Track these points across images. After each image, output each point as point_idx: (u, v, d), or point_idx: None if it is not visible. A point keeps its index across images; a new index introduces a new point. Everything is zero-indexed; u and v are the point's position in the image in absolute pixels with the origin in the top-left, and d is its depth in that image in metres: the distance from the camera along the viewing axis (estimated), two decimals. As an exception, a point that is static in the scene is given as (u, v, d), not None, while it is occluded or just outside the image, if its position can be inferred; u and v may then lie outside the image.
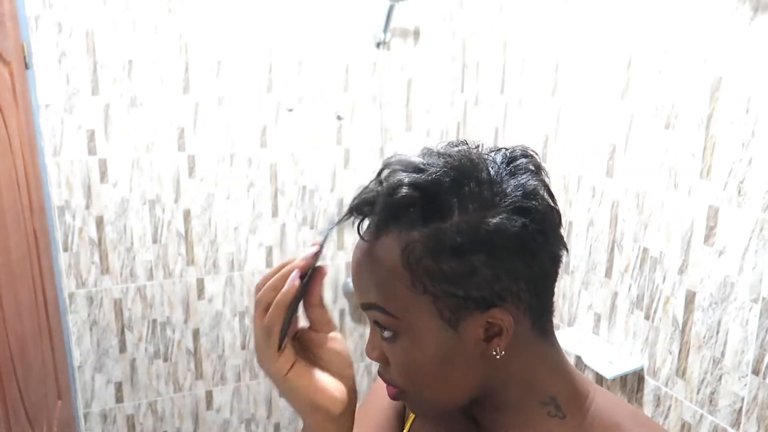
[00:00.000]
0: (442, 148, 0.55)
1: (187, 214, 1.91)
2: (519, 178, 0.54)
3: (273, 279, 0.58)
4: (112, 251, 1.86)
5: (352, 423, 0.62)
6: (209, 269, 1.97)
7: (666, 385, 1.30)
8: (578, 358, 1.48)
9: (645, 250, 1.32)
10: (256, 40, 1.85)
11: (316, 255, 0.59)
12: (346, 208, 0.56)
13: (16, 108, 1.45)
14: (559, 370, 0.59)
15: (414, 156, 0.55)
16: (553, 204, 0.56)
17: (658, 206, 1.28)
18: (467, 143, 0.57)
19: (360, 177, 2.06)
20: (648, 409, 1.35)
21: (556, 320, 1.59)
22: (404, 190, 0.52)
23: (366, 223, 0.56)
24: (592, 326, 1.49)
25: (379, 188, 0.53)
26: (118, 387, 1.97)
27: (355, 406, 0.63)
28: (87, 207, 1.81)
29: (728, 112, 1.10)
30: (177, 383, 2.03)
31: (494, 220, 0.51)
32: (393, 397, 0.60)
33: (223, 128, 1.88)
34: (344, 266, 2.11)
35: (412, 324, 0.54)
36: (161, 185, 1.86)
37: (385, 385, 0.61)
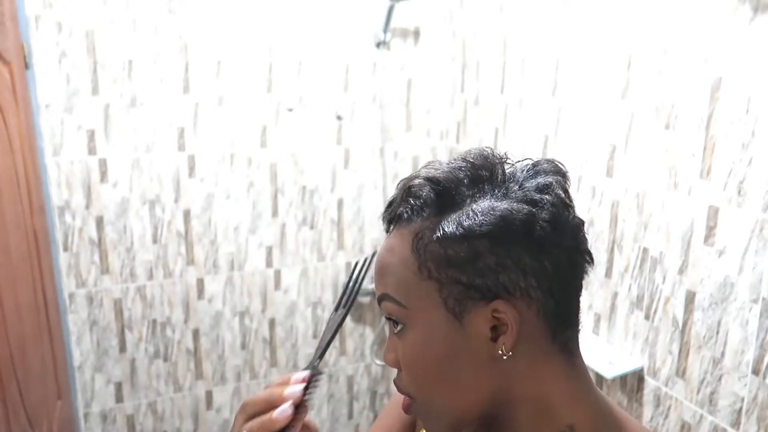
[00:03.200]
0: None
1: (187, 214, 1.91)
2: (537, 179, 0.55)
3: (262, 405, 0.57)
4: (112, 251, 1.86)
5: None
6: (209, 269, 1.97)
7: (666, 385, 1.30)
8: (578, 358, 1.48)
9: (645, 250, 1.32)
10: (256, 40, 1.85)
11: (306, 388, 0.58)
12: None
13: (16, 108, 1.45)
14: (582, 396, 0.55)
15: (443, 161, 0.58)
16: (568, 202, 0.55)
17: (658, 206, 1.28)
18: (491, 150, 0.58)
19: (360, 177, 2.06)
20: (648, 410, 1.35)
21: (556, 320, 1.59)
22: (420, 182, 0.54)
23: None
24: (592, 326, 1.49)
25: (404, 186, 0.56)
26: (118, 387, 1.97)
27: None
28: (87, 207, 1.81)
29: (728, 112, 1.10)
30: (177, 383, 2.03)
31: (501, 209, 0.52)
32: (406, 410, 0.59)
33: (223, 128, 1.88)
34: (344, 266, 2.11)
35: (419, 313, 0.54)
36: (161, 185, 1.86)
37: (400, 400, 0.60)
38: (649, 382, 1.34)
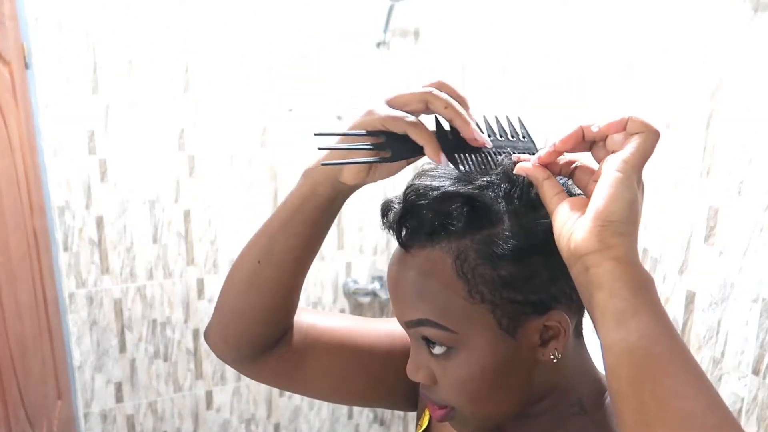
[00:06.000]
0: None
1: (187, 214, 1.91)
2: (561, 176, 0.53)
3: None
4: (112, 251, 1.86)
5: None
6: (209, 269, 1.97)
7: (666, 385, 1.30)
8: (578, 358, 1.48)
9: (645, 250, 1.32)
10: (256, 40, 1.85)
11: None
12: (386, 221, 0.54)
13: (16, 108, 1.45)
14: (587, 368, 0.58)
15: (450, 170, 0.53)
16: None
17: (658, 206, 1.28)
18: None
19: (360, 177, 2.05)
20: (648, 409, 1.35)
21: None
22: (452, 198, 0.50)
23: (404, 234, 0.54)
24: (592, 326, 1.49)
25: (422, 200, 0.51)
26: (118, 387, 1.97)
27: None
28: (87, 207, 1.81)
29: (728, 112, 1.10)
30: (177, 383, 2.03)
31: (546, 222, 0.50)
32: (440, 419, 0.57)
33: (223, 128, 1.88)
34: (344, 266, 2.11)
35: (468, 336, 0.52)
36: (161, 185, 1.86)
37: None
38: (649, 382, 1.34)
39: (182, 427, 2.07)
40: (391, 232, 0.54)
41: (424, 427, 0.69)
